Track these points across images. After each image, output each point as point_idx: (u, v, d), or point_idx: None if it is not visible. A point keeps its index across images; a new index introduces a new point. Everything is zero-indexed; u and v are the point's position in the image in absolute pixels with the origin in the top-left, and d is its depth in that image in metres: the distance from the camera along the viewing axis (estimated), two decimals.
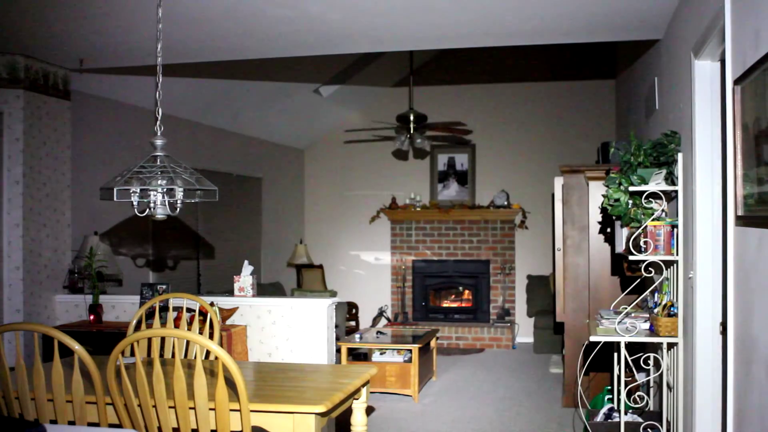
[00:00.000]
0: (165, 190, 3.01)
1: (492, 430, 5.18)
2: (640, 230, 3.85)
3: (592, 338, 3.95)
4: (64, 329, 4.99)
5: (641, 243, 3.83)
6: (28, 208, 5.13)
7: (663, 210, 3.93)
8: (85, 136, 5.81)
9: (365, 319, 9.33)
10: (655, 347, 4.21)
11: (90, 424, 2.82)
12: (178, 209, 3.09)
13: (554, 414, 5.55)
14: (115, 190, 2.97)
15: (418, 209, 9.41)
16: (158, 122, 3.21)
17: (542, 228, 9.07)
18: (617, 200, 3.97)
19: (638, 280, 4.60)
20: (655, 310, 3.99)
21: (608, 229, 5.29)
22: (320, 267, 9.53)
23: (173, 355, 3.81)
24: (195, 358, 3.40)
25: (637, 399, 4.13)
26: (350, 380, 3.13)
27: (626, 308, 4.21)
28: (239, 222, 8.35)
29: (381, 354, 6.29)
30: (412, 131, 7.44)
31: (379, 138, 9.03)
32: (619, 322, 4.05)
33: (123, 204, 3.12)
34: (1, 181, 5.05)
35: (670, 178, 3.89)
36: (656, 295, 4.17)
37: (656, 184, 3.84)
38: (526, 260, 9.31)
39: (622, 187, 3.94)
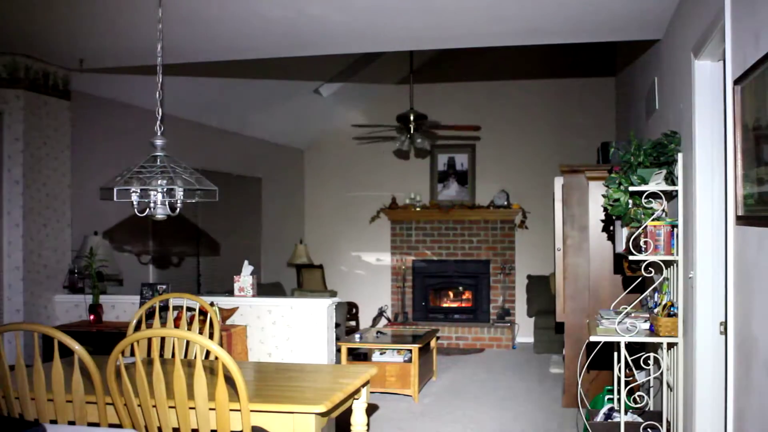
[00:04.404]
0: (165, 190, 3.01)
1: (492, 430, 5.18)
2: (640, 230, 3.85)
3: (592, 338, 3.95)
4: (64, 329, 4.98)
5: (641, 243, 3.83)
6: (28, 208, 5.13)
7: (663, 210, 3.93)
8: (85, 136, 5.81)
9: (365, 319, 9.33)
10: (655, 347, 4.21)
11: (90, 424, 2.82)
12: (178, 209, 3.08)
13: (554, 414, 5.55)
14: (115, 190, 2.97)
15: (418, 209, 9.41)
16: (158, 122, 3.21)
17: (542, 228, 9.07)
18: (617, 200, 3.97)
19: (639, 279, 4.59)
20: (655, 310, 3.99)
21: (611, 228, 5.29)
22: (320, 267, 9.53)
23: (173, 355, 3.81)
24: (195, 358, 3.40)
25: (637, 399, 4.13)
26: (350, 380, 3.13)
27: (626, 308, 4.21)
28: (239, 222, 8.35)
29: (381, 354, 6.29)
30: (412, 131, 7.44)
31: (380, 138, 9.03)
32: (619, 322, 4.05)
33: (123, 204, 3.12)
34: (1, 181, 5.05)
35: (670, 178, 3.89)
36: (656, 295, 4.17)
37: (656, 184, 3.84)
38: (526, 260, 9.31)
39: (622, 187, 3.94)
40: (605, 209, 4.35)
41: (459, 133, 8.72)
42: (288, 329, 5.26)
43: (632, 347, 4.31)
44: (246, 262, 5.54)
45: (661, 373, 4.08)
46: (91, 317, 5.27)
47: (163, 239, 6.83)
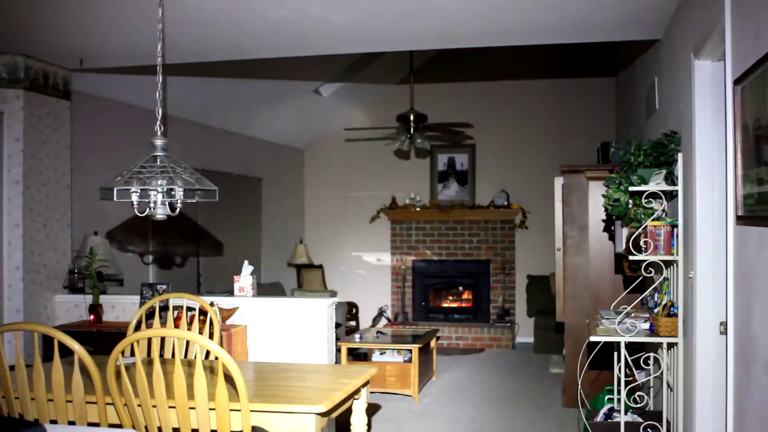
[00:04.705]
0: (165, 190, 3.01)
1: (492, 430, 5.18)
2: (640, 230, 3.85)
3: (592, 338, 3.95)
4: (64, 329, 4.98)
5: (641, 243, 3.83)
6: (28, 208, 5.12)
7: (663, 210, 3.93)
8: (85, 136, 5.81)
9: (365, 319, 9.33)
10: (655, 347, 4.21)
11: (90, 424, 2.82)
12: (178, 209, 3.08)
13: (554, 414, 5.55)
14: (115, 190, 2.97)
15: (418, 209, 9.42)
16: (158, 122, 3.21)
17: (542, 228, 9.07)
18: (617, 200, 3.97)
19: (639, 279, 4.59)
20: (656, 310, 3.99)
21: (611, 228, 5.29)
22: (320, 267, 9.53)
23: (173, 355, 3.81)
24: (195, 358, 3.40)
25: (637, 399, 4.13)
26: (350, 380, 3.13)
27: (626, 308, 4.21)
28: (239, 222, 8.35)
29: (381, 354, 6.29)
30: (412, 131, 7.44)
31: (380, 137, 9.03)
32: (619, 322, 4.05)
33: (123, 204, 3.12)
34: (1, 181, 5.04)
35: (670, 178, 3.89)
36: (656, 295, 4.17)
37: (656, 184, 3.84)
38: (526, 260, 9.31)
39: (622, 187, 3.94)
40: (605, 209, 4.35)
41: (459, 133, 8.71)
42: (288, 329, 5.26)
43: (632, 347, 4.31)
44: (246, 262, 5.54)
45: (661, 373, 4.08)
46: (91, 317, 5.27)
47: (163, 239, 6.83)
